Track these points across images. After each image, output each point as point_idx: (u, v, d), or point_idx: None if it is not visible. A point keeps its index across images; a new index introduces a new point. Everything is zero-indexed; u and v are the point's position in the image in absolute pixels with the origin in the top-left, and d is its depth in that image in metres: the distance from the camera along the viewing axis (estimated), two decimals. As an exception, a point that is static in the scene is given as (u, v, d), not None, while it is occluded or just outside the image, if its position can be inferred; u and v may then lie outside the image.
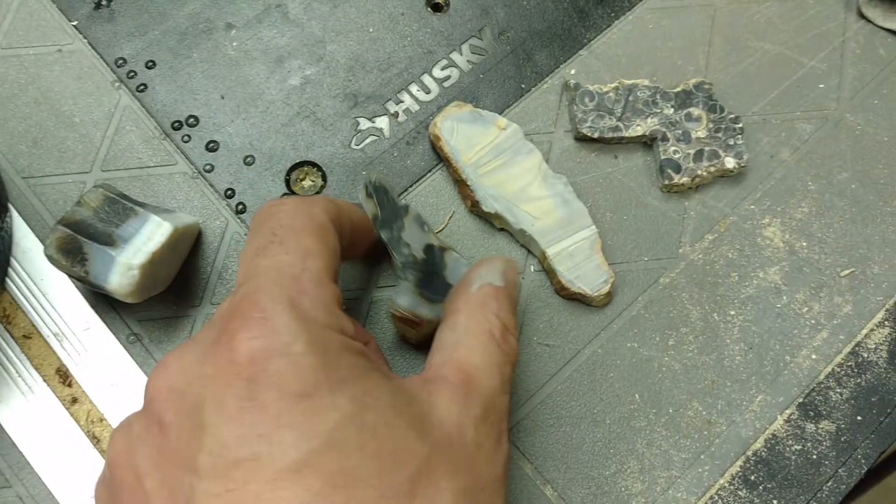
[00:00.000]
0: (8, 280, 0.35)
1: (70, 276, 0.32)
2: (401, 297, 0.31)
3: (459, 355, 0.25)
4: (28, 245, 0.36)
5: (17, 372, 0.34)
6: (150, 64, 0.38)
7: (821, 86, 0.40)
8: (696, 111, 0.38)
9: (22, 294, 0.35)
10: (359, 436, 0.20)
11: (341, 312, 0.24)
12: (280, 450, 0.19)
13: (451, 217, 0.37)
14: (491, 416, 0.24)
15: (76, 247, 0.31)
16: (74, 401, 0.34)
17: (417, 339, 0.33)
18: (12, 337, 0.34)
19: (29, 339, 0.34)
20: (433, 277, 0.32)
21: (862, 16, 0.41)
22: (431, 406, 0.23)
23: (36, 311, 0.35)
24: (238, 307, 0.22)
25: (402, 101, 0.38)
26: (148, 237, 0.32)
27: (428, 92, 0.39)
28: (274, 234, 0.24)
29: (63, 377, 0.34)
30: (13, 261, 0.35)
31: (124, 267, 0.31)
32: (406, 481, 0.20)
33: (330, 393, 0.20)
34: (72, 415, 0.33)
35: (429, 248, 0.33)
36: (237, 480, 0.19)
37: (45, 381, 0.34)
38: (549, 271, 0.36)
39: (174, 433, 0.21)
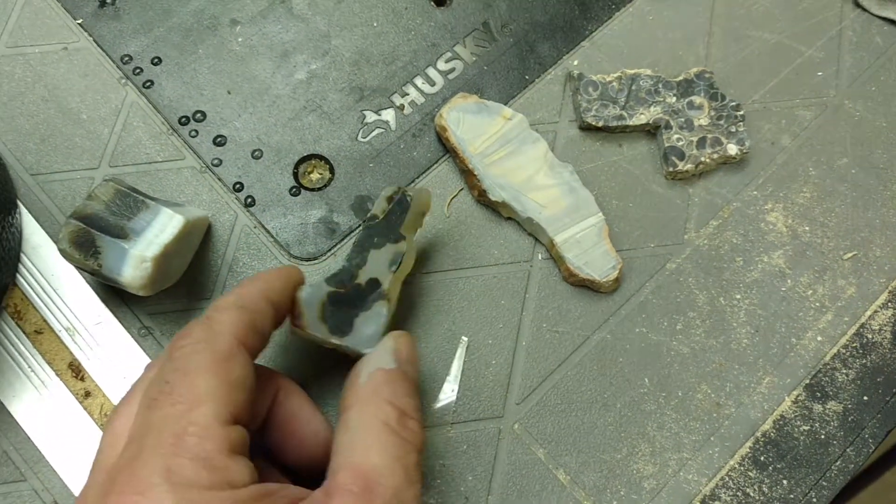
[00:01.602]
0: (18, 276, 0.35)
1: (82, 269, 0.32)
2: (310, 292, 0.30)
3: (356, 459, 0.24)
4: (38, 241, 0.36)
5: (29, 367, 0.34)
6: (156, 60, 0.39)
7: (819, 74, 0.41)
8: (697, 99, 0.38)
9: (33, 290, 0.35)
10: None
11: (231, 461, 0.23)
12: None
13: (453, 197, 0.37)
14: None
15: (89, 240, 0.32)
16: (87, 394, 0.34)
17: (293, 333, 0.31)
18: (24, 332, 0.34)
19: (41, 334, 0.34)
20: (348, 308, 0.30)
21: (858, 5, 0.42)
22: None
23: (47, 307, 0.35)
24: (117, 480, 0.22)
25: (407, 94, 0.39)
26: (160, 229, 0.32)
27: (433, 84, 0.39)
28: (165, 383, 0.24)
29: (76, 371, 0.34)
30: (23, 257, 0.35)
31: (137, 259, 0.31)
32: None
33: None
34: (85, 408, 0.34)
35: (372, 282, 0.31)
36: None
37: (57, 375, 0.34)
38: (557, 259, 0.36)
39: None
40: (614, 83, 0.39)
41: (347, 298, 0.30)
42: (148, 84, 0.38)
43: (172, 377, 0.24)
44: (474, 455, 0.33)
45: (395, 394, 0.26)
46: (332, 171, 0.37)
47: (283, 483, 0.26)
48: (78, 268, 0.33)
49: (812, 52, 0.41)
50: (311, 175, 0.37)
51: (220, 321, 0.26)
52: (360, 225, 0.32)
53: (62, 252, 0.32)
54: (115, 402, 0.34)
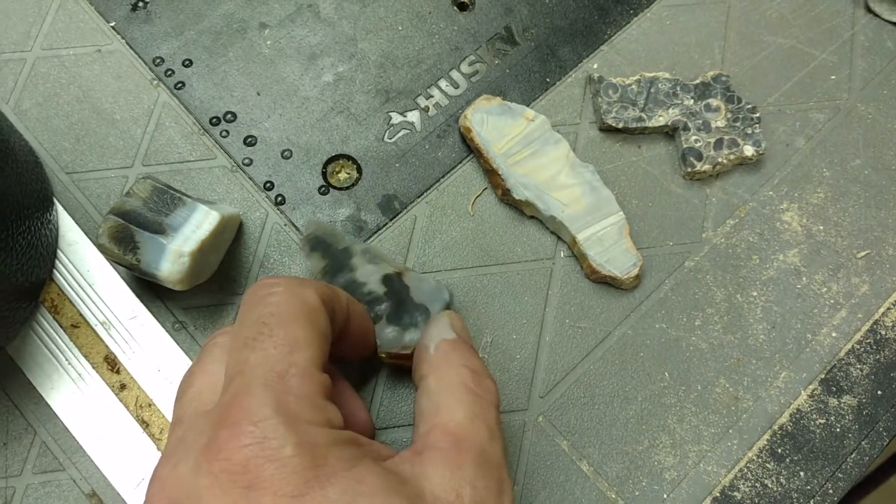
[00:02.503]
0: (55, 271, 0.36)
1: (120, 264, 0.33)
2: (381, 337, 0.32)
3: (441, 418, 0.26)
4: (73, 237, 0.37)
5: (66, 360, 0.35)
6: (187, 62, 0.40)
7: (832, 77, 0.42)
8: (714, 102, 0.39)
9: (69, 285, 0.36)
10: None
11: (328, 404, 0.24)
12: None
13: (478, 196, 0.38)
14: (486, 469, 0.25)
15: (128, 235, 0.33)
16: (123, 387, 0.35)
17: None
18: (61, 326, 0.35)
19: (77, 328, 0.35)
20: (402, 304, 0.33)
21: (869, 10, 0.43)
22: (424, 480, 0.24)
23: (83, 301, 0.36)
24: (228, 413, 0.22)
25: (431, 96, 0.40)
26: (197, 225, 0.33)
27: (456, 87, 0.40)
28: (263, 324, 0.24)
29: (111, 364, 0.35)
30: (59, 253, 0.36)
31: (175, 254, 0.32)
32: None
33: (321, 489, 0.21)
34: (121, 400, 0.34)
35: (387, 279, 0.33)
36: None
37: (94, 368, 0.35)
38: (579, 256, 0.37)
39: None
40: (633, 86, 0.40)
41: (396, 302, 0.33)
42: (179, 85, 0.39)
43: (269, 320, 0.24)
44: (500, 446, 0.34)
45: (464, 357, 0.28)
46: (359, 170, 0.38)
47: None
48: (115, 263, 0.34)
49: (825, 56, 0.42)
50: (339, 174, 0.38)
51: (308, 283, 0.27)
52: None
53: (101, 247, 0.33)
54: (150, 394, 0.34)
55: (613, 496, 0.34)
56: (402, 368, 0.35)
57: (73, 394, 0.34)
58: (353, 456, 0.23)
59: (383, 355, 0.32)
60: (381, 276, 0.33)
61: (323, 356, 0.25)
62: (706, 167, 0.38)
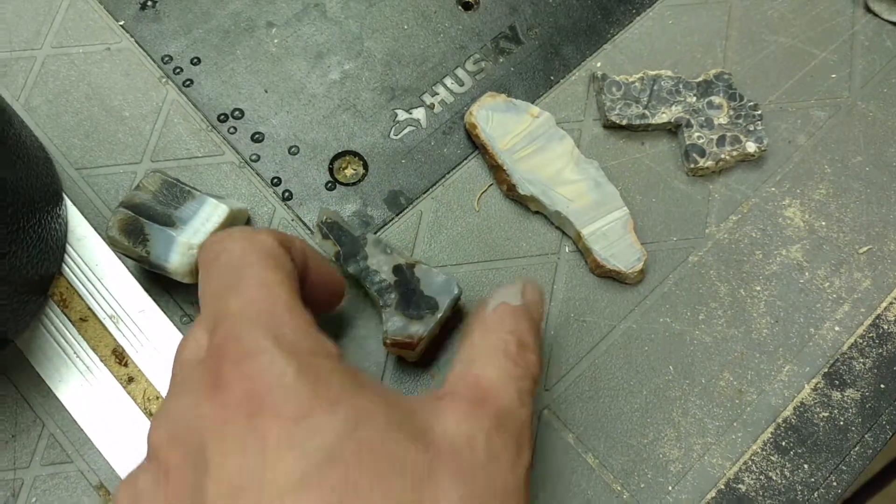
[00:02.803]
0: (64, 265, 0.36)
1: (130, 256, 0.34)
2: (388, 324, 0.33)
3: (474, 371, 0.25)
4: (82, 232, 0.37)
5: (75, 353, 0.35)
6: (196, 60, 0.40)
7: (833, 76, 0.42)
8: (717, 99, 0.40)
9: (77, 279, 0.36)
10: (357, 450, 0.21)
11: (322, 335, 0.24)
12: (282, 471, 0.20)
13: (483, 192, 0.38)
14: (507, 428, 0.24)
15: (137, 228, 0.33)
16: (131, 380, 0.35)
17: (416, 358, 0.35)
18: (69, 319, 0.36)
19: (85, 321, 0.36)
20: (411, 294, 0.33)
21: (869, 10, 0.43)
22: (436, 418, 0.23)
23: (91, 295, 0.36)
24: (225, 350, 0.22)
25: (437, 94, 0.40)
26: (206, 218, 0.33)
27: (462, 84, 0.41)
28: (231, 273, 0.24)
29: (119, 357, 0.35)
30: (68, 247, 0.37)
31: (184, 247, 0.33)
32: (409, 489, 0.21)
33: (324, 412, 0.21)
34: (129, 393, 0.35)
35: (397, 269, 0.34)
36: None
37: (102, 361, 0.35)
38: (584, 251, 0.37)
39: (180, 477, 0.21)
40: (637, 83, 0.40)
41: (405, 292, 0.33)
42: (188, 83, 0.40)
43: (238, 268, 0.24)
44: (506, 439, 0.34)
45: (517, 326, 0.27)
46: (365, 167, 0.39)
47: None
48: (124, 255, 0.34)
49: (825, 55, 0.43)
50: (346, 171, 0.39)
51: (258, 231, 0.26)
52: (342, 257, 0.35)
53: (111, 239, 0.33)
54: (158, 387, 0.35)
55: (619, 488, 0.34)
56: (406, 361, 0.35)
57: (81, 386, 0.35)
58: (355, 386, 0.22)
59: (388, 342, 0.33)
60: (393, 265, 0.34)
61: (297, 293, 0.25)
62: (709, 163, 0.39)
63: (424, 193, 0.38)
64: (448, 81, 0.41)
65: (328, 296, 0.31)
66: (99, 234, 0.37)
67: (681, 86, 0.40)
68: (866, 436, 0.35)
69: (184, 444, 0.22)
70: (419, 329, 0.33)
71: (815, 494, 0.34)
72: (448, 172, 0.39)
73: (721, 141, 0.39)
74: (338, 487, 0.20)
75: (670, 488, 0.34)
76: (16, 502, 0.33)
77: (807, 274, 0.38)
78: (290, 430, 0.20)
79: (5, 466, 0.33)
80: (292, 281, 0.25)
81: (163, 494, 0.22)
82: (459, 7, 0.42)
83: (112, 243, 0.33)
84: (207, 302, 0.25)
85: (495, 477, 0.23)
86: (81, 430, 0.34)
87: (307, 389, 0.21)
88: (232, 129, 0.39)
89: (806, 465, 0.35)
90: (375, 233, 0.37)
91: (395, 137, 0.39)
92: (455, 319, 0.36)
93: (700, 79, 0.40)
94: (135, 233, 0.33)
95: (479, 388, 0.25)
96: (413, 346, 0.33)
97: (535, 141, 0.38)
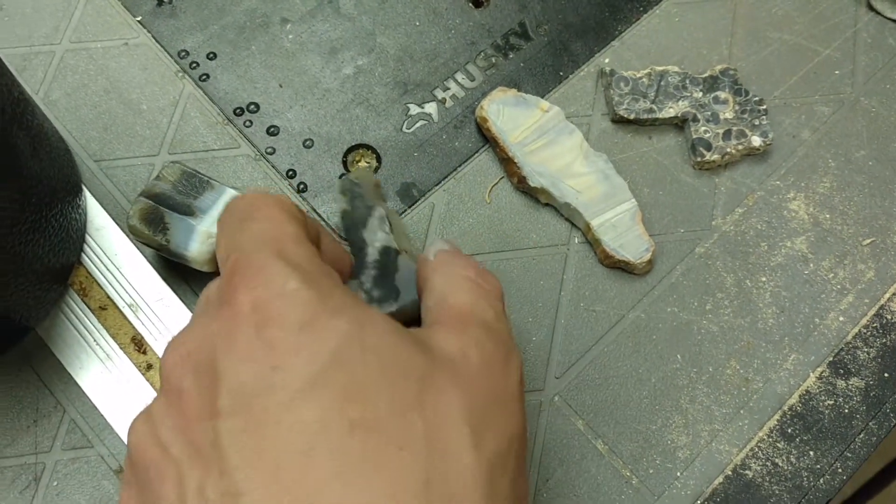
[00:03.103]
0: (83, 255, 0.37)
1: (150, 245, 0.34)
2: None
3: (448, 302, 0.26)
4: (101, 223, 0.38)
5: (94, 341, 0.36)
6: (212, 55, 0.41)
7: (836, 72, 0.43)
8: (723, 94, 0.41)
9: (97, 268, 0.37)
10: (361, 353, 0.21)
11: (326, 266, 0.24)
12: (291, 374, 0.20)
13: (494, 185, 0.39)
14: (494, 339, 0.25)
15: (158, 217, 0.34)
16: (149, 367, 0.36)
17: None
18: (89, 308, 0.36)
19: (105, 310, 0.36)
20: (384, 280, 0.32)
21: (871, 8, 0.44)
22: (429, 338, 0.24)
23: (111, 284, 0.37)
24: (233, 269, 0.23)
25: (448, 88, 0.41)
26: (224, 208, 0.34)
27: (473, 79, 0.41)
28: (244, 215, 0.25)
29: (138, 345, 0.36)
30: (88, 237, 0.37)
31: (204, 235, 0.33)
32: (413, 390, 0.21)
33: (328, 318, 0.21)
34: (147, 380, 0.35)
35: (385, 251, 0.33)
36: (256, 410, 0.20)
37: (121, 348, 0.36)
38: (593, 242, 0.38)
39: (193, 394, 0.21)
40: (644, 79, 0.41)
41: (379, 275, 0.32)
42: (204, 77, 0.40)
43: (249, 211, 0.25)
44: (517, 425, 0.35)
45: (464, 260, 0.28)
46: (378, 159, 0.39)
47: None
48: (144, 244, 0.35)
49: (829, 52, 0.43)
50: (360, 163, 0.39)
51: (276, 195, 0.27)
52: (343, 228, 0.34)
53: (132, 228, 0.34)
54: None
55: (628, 474, 0.35)
56: None
57: (101, 373, 0.35)
58: (356, 300, 0.23)
59: None
60: (384, 246, 0.33)
61: (307, 237, 0.25)
62: (715, 157, 0.39)
63: (436, 186, 0.39)
64: (459, 77, 0.41)
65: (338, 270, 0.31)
66: (118, 224, 0.38)
67: (687, 81, 0.41)
68: (870, 423, 0.36)
69: (195, 363, 0.22)
70: (396, 306, 0.31)
71: (821, 480, 0.35)
72: (459, 165, 0.40)
73: (727, 135, 0.40)
74: (344, 389, 0.20)
75: (679, 474, 0.35)
76: (38, 486, 0.33)
77: (811, 265, 0.39)
78: (297, 336, 0.21)
79: (27, 451, 0.34)
80: (302, 227, 0.25)
81: (176, 412, 0.22)
82: (470, 4, 0.43)
83: (132, 232, 0.34)
84: (220, 245, 0.25)
85: (491, 382, 0.23)
86: (101, 415, 0.35)
87: (310, 296, 0.22)
88: (248, 123, 0.40)
89: (811, 452, 0.35)
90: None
91: (407, 131, 0.40)
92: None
93: (706, 74, 0.41)
94: (155, 222, 0.34)
95: (459, 311, 0.25)
96: None
97: (545, 134, 0.39)
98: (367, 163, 0.39)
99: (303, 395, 0.20)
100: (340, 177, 0.35)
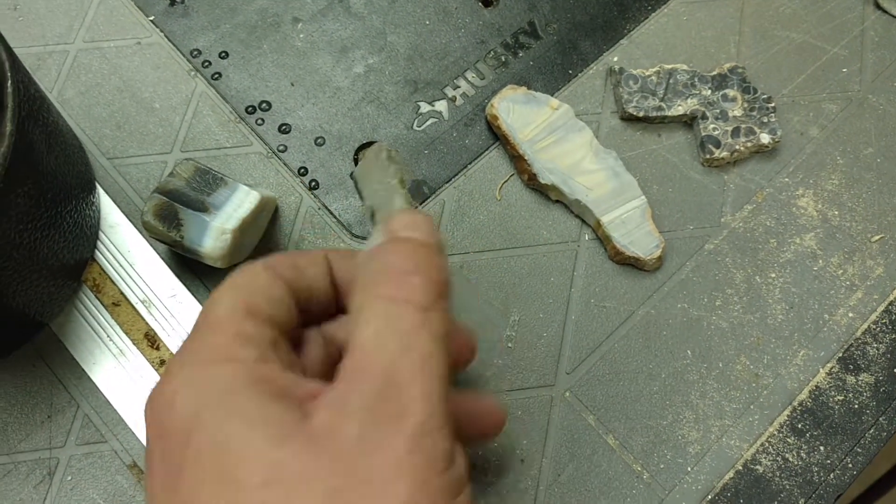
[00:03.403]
0: (97, 251, 0.37)
1: (164, 241, 0.35)
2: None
3: (353, 339, 0.22)
4: (114, 220, 0.38)
5: (108, 336, 0.36)
6: (224, 54, 0.41)
7: (844, 70, 0.43)
8: (731, 92, 0.41)
9: (110, 264, 0.37)
10: (219, 456, 0.20)
11: (235, 343, 0.22)
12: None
13: (505, 182, 0.39)
14: (386, 389, 0.21)
15: (172, 213, 0.34)
16: (162, 363, 0.36)
17: None
18: (103, 304, 0.37)
19: (118, 306, 0.37)
20: None
21: (879, 7, 0.45)
22: (316, 410, 0.21)
23: (124, 280, 0.37)
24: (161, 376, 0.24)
25: (458, 87, 0.41)
26: (238, 204, 0.34)
27: (482, 78, 0.42)
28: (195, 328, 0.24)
29: (151, 341, 0.36)
30: (101, 234, 0.38)
31: (218, 231, 0.34)
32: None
33: (202, 421, 0.21)
34: (160, 376, 0.35)
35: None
36: None
37: (134, 344, 0.36)
38: (603, 238, 0.38)
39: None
40: (653, 77, 0.41)
41: None
42: (216, 76, 0.41)
43: (200, 320, 0.25)
44: (529, 421, 0.35)
45: (384, 260, 0.23)
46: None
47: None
48: (158, 240, 0.35)
49: (836, 50, 0.44)
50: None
51: (256, 261, 0.26)
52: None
53: (146, 224, 0.34)
54: (189, 369, 0.36)
55: (639, 468, 0.35)
56: None
57: (114, 369, 0.35)
58: (245, 383, 0.21)
59: None
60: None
61: (249, 304, 0.23)
62: (724, 154, 0.40)
63: (447, 183, 0.39)
64: (469, 75, 0.42)
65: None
66: (131, 221, 0.38)
67: (696, 79, 0.41)
68: (880, 419, 0.36)
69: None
70: None
71: (831, 475, 0.35)
72: (470, 163, 0.40)
73: (736, 132, 0.40)
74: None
75: (689, 469, 0.35)
76: (52, 481, 0.33)
77: (820, 262, 0.39)
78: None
79: (41, 446, 0.34)
80: (252, 295, 0.24)
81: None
82: (479, 3, 0.43)
83: (147, 228, 0.34)
84: None
85: (362, 464, 0.20)
86: (115, 410, 0.35)
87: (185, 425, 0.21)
88: (259, 121, 0.40)
89: (822, 447, 0.35)
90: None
91: (418, 129, 0.40)
92: None
93: (714, 72, 0.41)
94: (169, 217, 0.34)
95: (354, 360, 0.22)
96: None
97: (555, 132, 0.39)
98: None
99: None
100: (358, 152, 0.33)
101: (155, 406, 0.22)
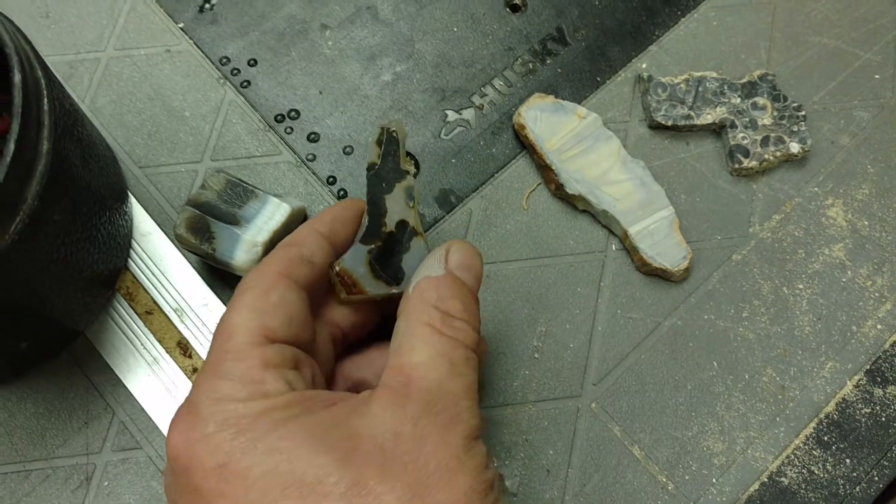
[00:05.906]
0: (130, 261, 0.38)
1: (196, 253, 0.35)
2: (349, 256, 0.29)
3: (400, 359, 0.25)
4: (146, 228, 0.39)
5: (142, 345, 0.37)
6: (252, 62, 0.42)
7: (876, 76, 0.43)
8: (761, 100, 0.41)
9: (143, 273, 0.38)
10: (280, 483, 0.22)
11: (266, 374, 0.24)
12: None
13: (531, 191, 0.39)
14: (437, 404, 0.24)
15: (204, 226, 0.34)
16: (195, 370, 0.37)
17: (345, 303, 0.30)
18: (136, 313, 0.37)
19: (151, 314, 0.37)
20: (391, 256, 0.30)
21: (913, 11, 0.44)
22: (362, 419, 0.24)
23: (156, 289, 0.38)
24: (178, 411, 0.25)
25: (486, 95, 0.41)
26: (269, 217, 0.35)
27: (510, 85, 0.42)
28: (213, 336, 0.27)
29: (184, 349, 0.37)
30: (134, 243, 0.38)
31: (249, 244, 0.34)
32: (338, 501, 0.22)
33: (242, 456, 0.23)
34: (193, 384, 0.36)
35: (401, 224, 0.31)
36: None
37: (167, 352, 0.37)
38: (630, 249, 0.38)
39: None
40: (682, 85, 0.41)
41: (387, 249, 0.30)
42: (245, 84, 0.41)
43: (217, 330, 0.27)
44: (555, 431, 0.36)
45: (440, 298, 0.26)
46: (416, 166, 0.40)
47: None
48: (189, 252, 0.36)
49: (869, 55, 0.43)
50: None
51: (267, 262, 0.28)
52: (366, 177, 0.32)
53: (179, 237, 0.35)
54: (221, 377, 0.36)
55: (664, 480, 0.35)
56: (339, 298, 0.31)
57: (148, 377, 0.36)
58: (286, 417, 0.24)
59: (337, 269, 0.29)
60: (402, 219, 0.31)
61: (267, 329, 0.25)
62: (753, 164, 0.39)
63: (474, 192, 0.40)
64: (497, 82, 0.42)
65: None
66: (163, 230, 0.38)
67: (725, 87, 0.41)
68: (908, 432, 0.36)
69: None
70: (367, 285, 0.29)
71: (857, 489, 0.35)
72: (497, 172, 0.40)
73: (765, 141, 0.40)
74: None
75: (714, 480, 0.35)
76: (89, 486, 0.34)
77: (849, 273, 0.39)
78: (211, 480, 0.23)
79: (79, 452, 0.35)
80: (268, 315, 0.26)
81: None
82: (507, 9, 0.43)
83: (180, 241, 0.35)
84: None
85: (424, 459, 0.23)
86: (150, 417, 0.36)
87: (228, 436, 0.23)
88: (288, 129, 0.40)
89: (848, 460, 0.36)
90: (426, 230, 0.38)
91: (445, 137, 0.40)
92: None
93: (744, 80, 0.41)
94: (201, 230, 0.34)
95: (405, 376, 0.25)
96: (350, 288, 0.29)
97: (582, 141, 0.39)
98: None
99: None
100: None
101: (188, 440, 0.23)
